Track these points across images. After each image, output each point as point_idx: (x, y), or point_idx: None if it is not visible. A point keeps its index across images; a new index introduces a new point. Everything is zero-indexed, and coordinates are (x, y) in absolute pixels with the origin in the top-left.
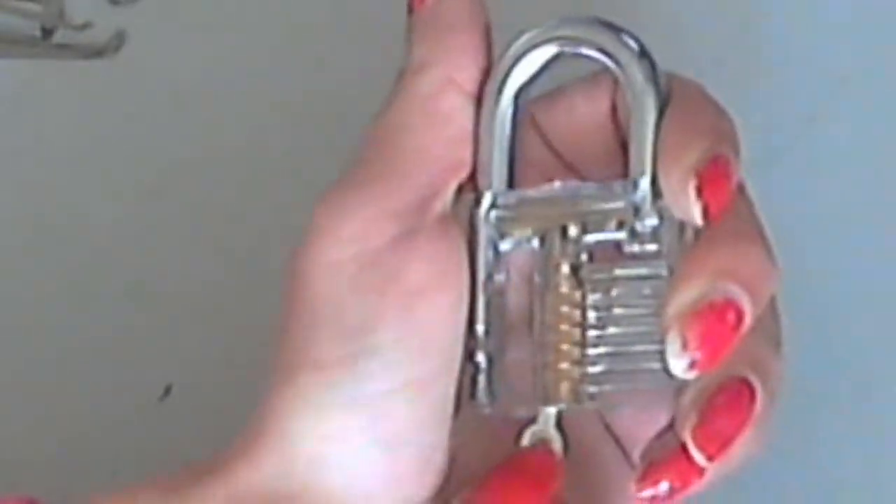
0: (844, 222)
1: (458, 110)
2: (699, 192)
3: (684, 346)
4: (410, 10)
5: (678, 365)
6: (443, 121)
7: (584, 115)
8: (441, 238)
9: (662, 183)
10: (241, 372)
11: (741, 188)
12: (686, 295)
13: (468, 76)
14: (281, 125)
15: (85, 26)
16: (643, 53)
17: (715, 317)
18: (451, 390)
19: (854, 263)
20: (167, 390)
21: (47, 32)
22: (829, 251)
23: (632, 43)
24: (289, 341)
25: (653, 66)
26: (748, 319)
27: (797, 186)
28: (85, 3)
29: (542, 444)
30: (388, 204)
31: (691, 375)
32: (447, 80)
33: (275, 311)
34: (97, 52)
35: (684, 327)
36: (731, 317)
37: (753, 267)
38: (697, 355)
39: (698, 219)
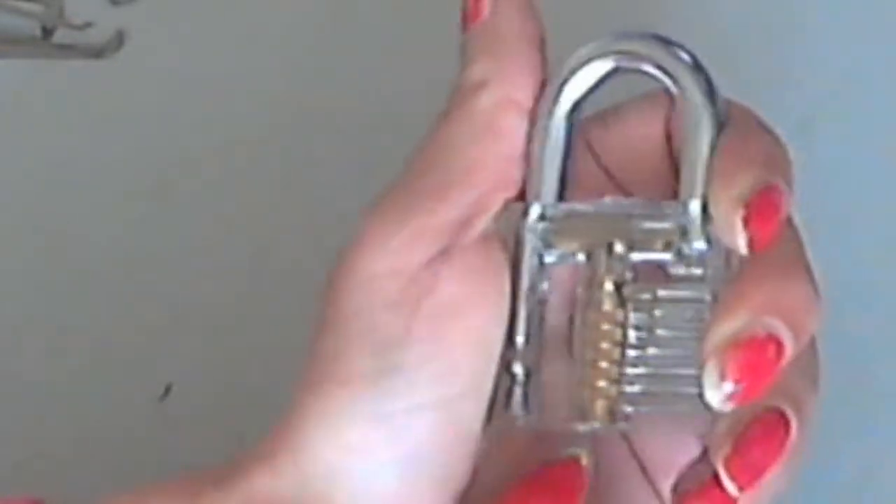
0: (844, 223)
1: (515, 129)
2: (746, 222)
3: (722, 377)
4: (465, 25)
5: (715, 396)
6: (499, 139)
7: (636, 135)
8: (481, 257)
9: (711, 209)
10: (240, 372)
11: (789, 220)
12: (728, 326)
13: (526, 94)
14: (281, 125)
15: (85, 26)
16: (698, 67)
17: (755, 350)
18: (479, 412)
19: (854, 264)
20: (167, 390)
21: (47, 32)
22: (829, 251)
23: (686, 57)
24: (318, 352)
25: (709, 81)
26: (788, 354)
27: (796, 187)
28: (85, 3)
29: (570, 459)
30: (434, 220)
31: (728, 407)
32: (507, 98)
33: (274, 312)
34: (97, 52)
35: (724, 358)
36: (771, 351)
37: (797, 302)
38: (735, 387)
39: (743, 249)
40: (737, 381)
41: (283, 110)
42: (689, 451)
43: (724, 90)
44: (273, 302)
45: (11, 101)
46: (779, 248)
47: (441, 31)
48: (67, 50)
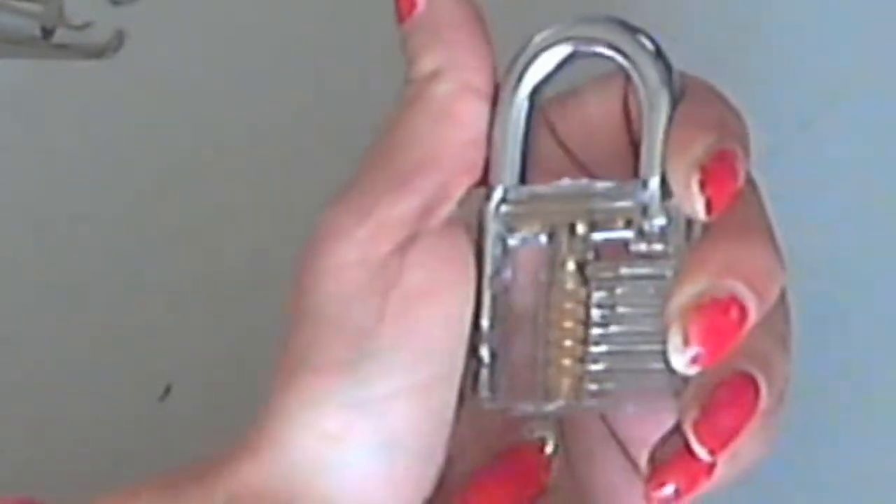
0: (843, 223)
1: (475, 114)
2: (703, 186)
3: (686, 341)
4: (401, 19)
5: (679, 360)
6: (458, 125)
7: (595, 114)
8: (447, 242)
9: (669, 177)
10: (241, 372)
11: (750, 183)
12: (689, 290)
13: (481, 77)
14: (281, 125)
15: (85, 26)
16: (659, 54)
17: (718, 312)
18: (452, 395)
19: (853, 264)
20: (167, 390)
21: (47, 32)
22: (828, 252)
23: (648, 43)
24: (292, 343)
25: (668, 67)
26: (752, 316)
27: (795, 188)
28: (85, 3)
29: (535, 442)
30: (399, 208)
31: (692, 371)
32: (463, 84)
33: (274, 311)
34: (97, 52)
35: (687, 322)
36: (734, 313)
37: (759, 263)
38: (699, 350)
39: (702, 214)
40: (700, 344)
41: (283, 110)
42: (664, 426)
43: (724, 90)
44: (273, 302)
45: (11, 101)
46: (739, 212)
47: None
48: (67, 50)
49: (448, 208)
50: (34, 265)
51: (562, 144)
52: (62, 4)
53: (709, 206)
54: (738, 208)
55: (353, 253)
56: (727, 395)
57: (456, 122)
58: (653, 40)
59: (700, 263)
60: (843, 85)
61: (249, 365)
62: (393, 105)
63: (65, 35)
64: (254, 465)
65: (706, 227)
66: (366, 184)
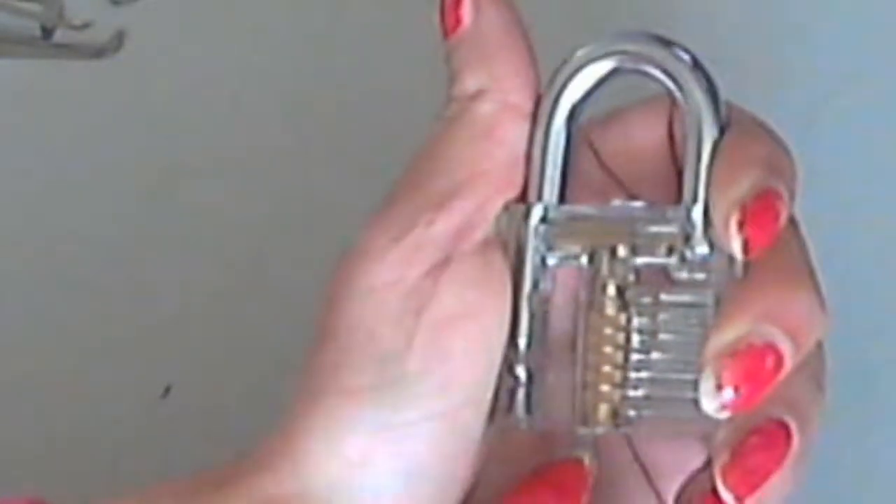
0: (844, 222)
1: (515, 133)
2: (741, 226)
3: (719, 385)
4: (447, 35)
5: (710, 404)
6: (499, 146)
7: (639, 137)
8: (480, 264)
9: (710, 211)
10: (241, 372)
11: (794, 225)
12: (727, 334)
13: (523, 97)
14: (281, 125)
15: (85, 26)
16: (698, 67)
17: (753, 360)
18: (479, 421)
19: (854, 263)
20: (167, 390)
21: (47, 32)
22: (829, 251)
23: (686, 57)
24: (318, 362)
25: (710, 81)
26: (788, 365)
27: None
28: (85, 3)
29: (574, 459)
30: (434, 230)
31: (724, 415)
32: (505, 104)
33: (274, 311)
34: (97, 52)
35: (721, 367)
36: (769, 361)
37: (799, 312)
38: (731, 397)
39: (739, 254)
40: (733, 390)
41: (284, 110)
42: (693, 457)
43: (725, 90)
44: (273, 302)
45: (11, 101)
46: (782, 254)
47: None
48: (67, 50)
49: (483, 230)
50: (34, 265)
51: (604, 166)
52: (62, 4)
53: (746, 247)
54: (781, 249)
55: (387, 274)
56: (759, 442)
57: (497, 142)
58: (689, 53)
59: (739, 307)
60: (843, 85)
61: (250, 365)
62: (434, 122)
63: (65, 35)
64: (273, 482)
65: (748, 264)
66: (402, 203)
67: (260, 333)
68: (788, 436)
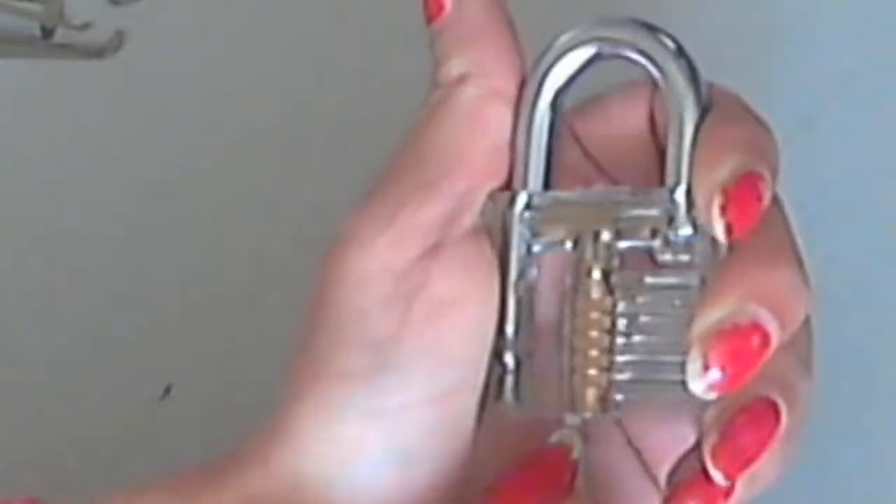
0: (844, 222)
1: (500, 118)
2: (724, 209)
3: (705, 366)
4: (430, 20)
5: (698, 385)
6: (485, 131)
7: (621, 122)
8: (470, 250)
9: (693, 195)
10: (241, 372)
11: (777, 202)
12: (712, 315)
13: (508, 82)
14: (281, 125)
15: (85, 26)
16: (681, 53)
17: (739, 339)
18: (473, 405)
19: (854, 263)
20: (167, 390)
21: (47, 32)
22: (829, 251)
23: (669, 43)
24: (309, 350)
25: (691, 66)
26: (774, 343)
27: (796, 186)
28: (85, 3)
29: (561, 446)
30: (423, 216)
31: (711, 396)
32: (490, 89)
33: (275, 311)
34: (97, 52)
35: (707, 347)
36: (755, 340)
37: (783, 290)
38: (718, 376)
39: (722, 236)
40: (720, 370)
41: (283, 110)
42: (684, 438)
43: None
44: (273, 301)
45: (11, 101)
46: (765, 234)
47: None
48: (67, 50)
49: (472, 215)
50: (34, 265)
51: (586, 152)
52: (62, 4)
53: (729, 230)
54: (765, 229)
55: (377, 261)
56: (747, 421)
57: (482, 127)
58: (674, 39)
59: (723, 287)
60: (843, 84)
61: (249, 365)
62: (419, 108)
63: (65, 35)
64: (266, 472)
65: (732, 244)
66: (389, 190)
67: (260, 333)
68: (777, 414)
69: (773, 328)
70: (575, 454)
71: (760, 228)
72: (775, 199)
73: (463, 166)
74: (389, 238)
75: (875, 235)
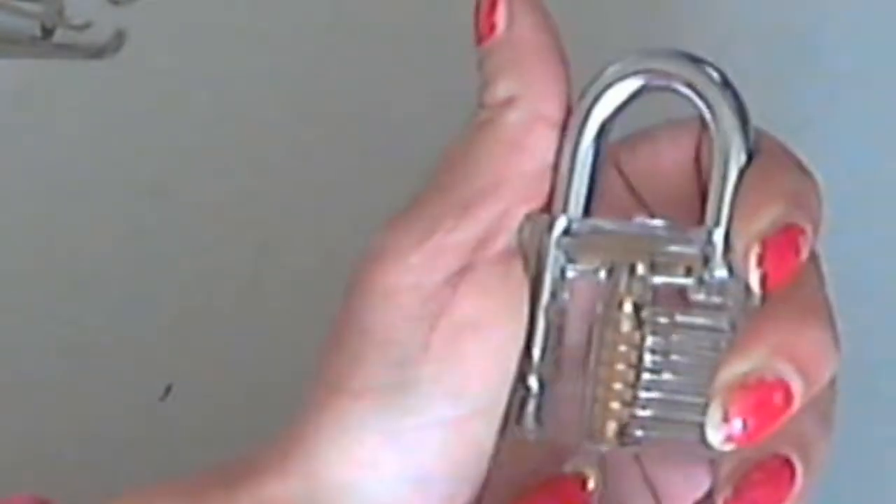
0: (843, 222)
1: (545, 144)
2: (760, 260)
3: (725, 417)
4: (481, 40)
5: (715, 436)
6: (528, 155)
7: (667, 158)
8: (501, 273)
9: (732, 241)
10: (241, 372)
11: (815, 259)
12: (737, 367)
13: (554, 107)
14: (281, 125)
15: (85, 26)
16: (726, 85)
17: (762, 394)
18: (492, 429)
19: (853, 263)
20: (167, 390)
21: (47, 32)
22: (829, 251)
23: (715, 75)
24: (332, 362)
25: (738, 100)
26: (797, 402)
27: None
28: (85, 3)
29: (577, 476)
30: (457, 236)
31: (727, 448)
32: (535, 114)
33: (274, 311)
34: (97, 52)
35: (729, 399)
36: (778, 397)
37: (812, 349)
38: (737, 430)
39: (756, 287)
40: (740, 423)
41: (283, 110)
42: (702, 482)
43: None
44: (273, 302)
45: (11, 101)
46: (800, 289)
47: (441, 33)
48: (67, 50)
49: (506, 238)
50: (34, 264)
51: (629, 185)
52: (62, 4)
53: (764, 281)
54: (800, 284)
55: (407, 277)
56: (762, 478)
57: (525, 151)
58: (719, 71)
59: (752, 340)
60: (843, 84)
61: (250, 365)
62: (462, 127)
63: (65, 35)
64: (281, 481)
65: (765, 295)
66: (426, 207)
67: (260, 334)
68: (793, 474)
69: (797, 387)
70: (591, 485)
71: (795, 283)
72: (812, 253)
73: (502, 189)
74: (421, 256)
75: (875, 235)
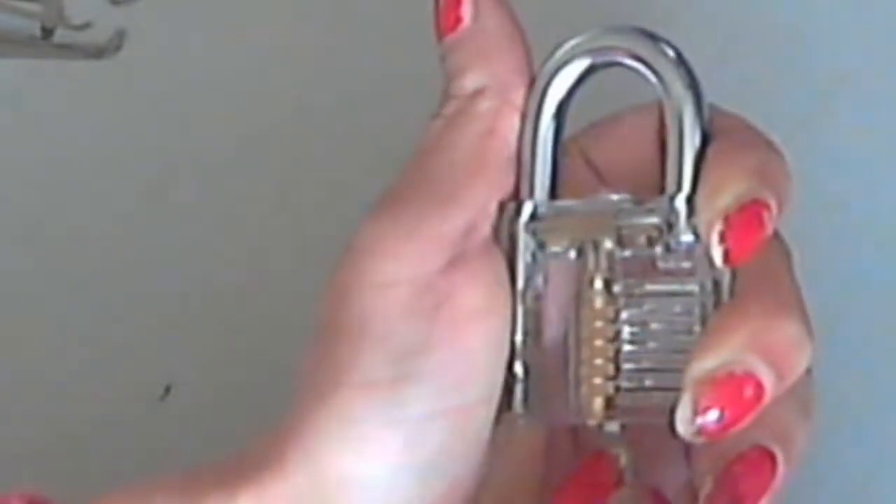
0: (843, 221)
1: (513, 130)
2: (723, 237)
3: (695, 411)
4: (444, 33)
5: (686, 430)
6: (502, 142)
7: (629, 140)
8: (488, 260)
9: (696, 217)
10: (241, 372)
11: (782, 245)
12: (707, 361)
13: (519, 95)
14: (281, 125)
15: (85, 26)
16: (680, 60)
17: (732, 388)
18: (490, 417)
19: (853, 263)
20: (167, 390)
21: (47, 32)
22: (829, 250)
23: (668, 50)
24: (329, 356)
25: (690, 73)
26: (769, 395)
27: (795, 186)
28: (85, 3)
29: (608, 454)
30: (447, 226)
31: (699, 441)
32: (505, 102)
33: (274, 311)
34: (97, 52)
35: (699, 393)
36: (748, 390)
37: (784, 341)
38: (707, 423)
39: (719, 262)
40: (710, 417)
41: (283, 110)
42: (678, 474)
43: (725, 90)
44: (273, 302)
45: (11, 101)
46: (769, 280)
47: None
48: (67, 50)
49: (487, 225)
50: (34, 265)
51: (598, 173)
52: (62, 4)
53: (727, 257)
54: (768, 274)
55: (403, 270)
56: (742, 470)
57: (499, 138)
58: (674, 48)
59: (722, 334)
60: (842, 84)
61: (250, 365)
62: (430, 119)
63: (65, 35)
64: (280, 476)
65: (737, 272)
66: (410, 199)
67: (260, 333)
68: (774, 464)
69: (769, 381)
70: (623, 461)
71: (764, 273)
72: (781, 242)
73: (482, 177)
74: (413, 249)
75: (875, 235)
